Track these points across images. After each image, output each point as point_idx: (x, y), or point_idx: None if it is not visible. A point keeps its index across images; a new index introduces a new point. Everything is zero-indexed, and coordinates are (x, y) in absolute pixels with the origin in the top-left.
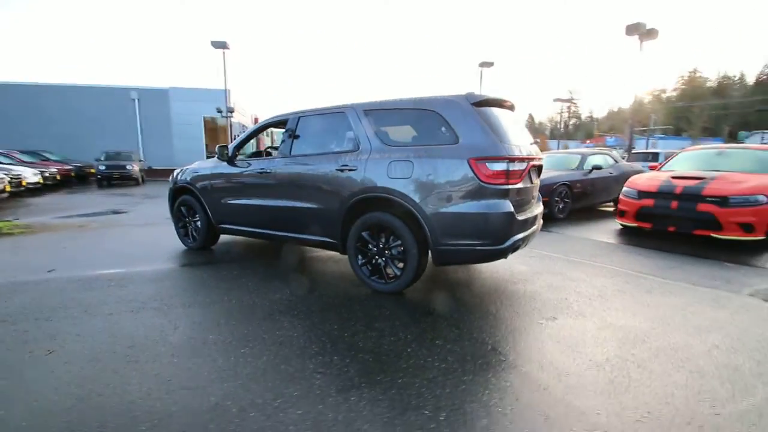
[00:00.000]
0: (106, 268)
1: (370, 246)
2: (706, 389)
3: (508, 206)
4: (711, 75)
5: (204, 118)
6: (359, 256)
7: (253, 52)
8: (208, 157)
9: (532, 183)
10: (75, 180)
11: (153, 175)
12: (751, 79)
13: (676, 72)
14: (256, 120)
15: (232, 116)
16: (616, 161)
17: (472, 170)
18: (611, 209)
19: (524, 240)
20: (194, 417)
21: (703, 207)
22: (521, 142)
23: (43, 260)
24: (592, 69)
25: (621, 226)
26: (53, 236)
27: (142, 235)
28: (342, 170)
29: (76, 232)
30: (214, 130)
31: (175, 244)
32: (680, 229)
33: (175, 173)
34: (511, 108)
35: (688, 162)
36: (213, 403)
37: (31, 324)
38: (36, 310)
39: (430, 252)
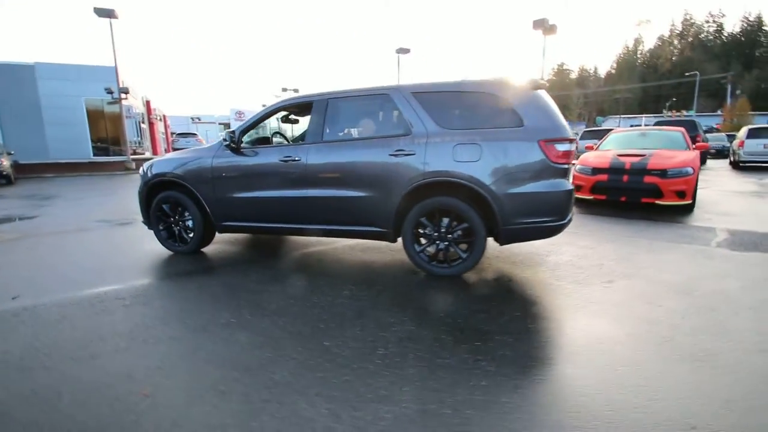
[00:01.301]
0: (73, 288)
1: (426, 231)
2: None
3: (570, 184)
4: (574, 68)
5: (87, 101)
6: (416, 243)
7: (145, 24)
8: (94, 148)
9: None
10: None
11: (23, 171)
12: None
13: (549, 64)
14: (148, 104)
15: (126, 98)
16: None
17: (543, 151)
18: None
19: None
20: None
21: (648, 179)
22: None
23: None
24: (496, 59)
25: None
26: None
27: (87, 243)
28: (397, 155)
29: None
30: (100, 116)
31: (141, 251)
32: (630, 198)
33: (146, 167)
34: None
35: (619, 142)
36: None
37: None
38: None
39: (496, 232)
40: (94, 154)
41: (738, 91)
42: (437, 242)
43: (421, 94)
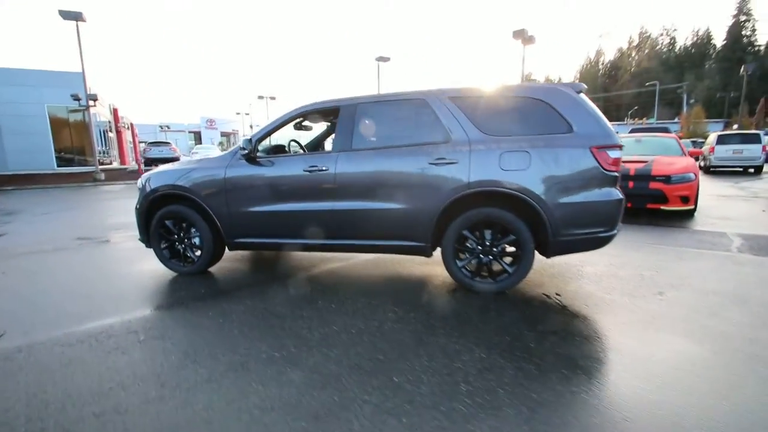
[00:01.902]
0: (70, 322)
1: (468, 245)
2: None
3: (620, 192)
4: (541, 78)
5: (49, 108)
6: (458, 258)
7: (111, 29)
8: (58, 158)
9: None
10: None
11: None
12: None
13: (519, 75)
14: (115, 111)
15: (95, 105)
16: None
17: (595, 159)
18: None
19: None
20: None
21: (653, 185)
22: None
23: None
24: (472, 68)
25: None
26: None
27: (71, 265)
28: (438, 164)
29: None
30: (63, 124)
31: (137, 272)
32: (636, 204)
33: (145, 180)
34: None
35: None
36: None
37: None
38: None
39: (545, 245)
40: (58, 165)
41: (692, 100)
42: (481, 256)
43: (460, 98)
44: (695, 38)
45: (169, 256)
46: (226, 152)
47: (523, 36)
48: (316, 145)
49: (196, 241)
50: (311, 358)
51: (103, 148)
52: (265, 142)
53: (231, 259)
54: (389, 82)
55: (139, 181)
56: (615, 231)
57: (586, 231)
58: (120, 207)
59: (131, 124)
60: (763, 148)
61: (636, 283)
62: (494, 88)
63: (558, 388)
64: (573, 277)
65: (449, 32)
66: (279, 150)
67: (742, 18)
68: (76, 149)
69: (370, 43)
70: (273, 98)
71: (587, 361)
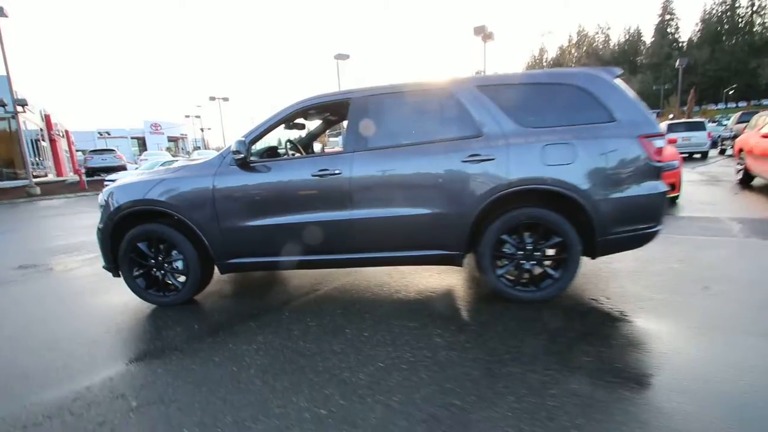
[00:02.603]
0: (31, 388)
1: (506, 250)
2: None
3: (664, 184)
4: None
5: None
6: (496, 265)
7: (39, 30)
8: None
9: None
10: None
11: None
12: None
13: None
14: (48, 118)
15: (24, 111)
16: None
17: (643, 149)
18: None
19: None
20: None
21: None
22: None
23: None
24: (428, 64)
25: None
26: None
27: (17, 304)
28: (472, 161)
29: None
30: None
31: (104, 308)
32: None
33: (108, 195)
34: None
35: None
36: None
37: None
38: None
39: (591, 245)
40: None
41: None
42: (522, 262)
43: (489, 88)
44: (627, 36)
45: (145, 285)
46: (210, 158)
47: (483, 32)
48: (305, 147)
49: (179, 265)
50: (371, 413)
51: (36, 159)
52: (256, 145)
53: (215, 282)
54: (350, 81)
55: (101, 197)
56: (660, 226)
57: (634, 228)
58: (64, 225)
59: (66, 132)
60: (708, 134)
61: (674, 278)
62: (524, 75)
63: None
64: (608, 276)
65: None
66: (273, 153)
67: (668, 17)
68: (4, 161)
69: (328, 40)
70: (226, 99)
71: (691, 382)
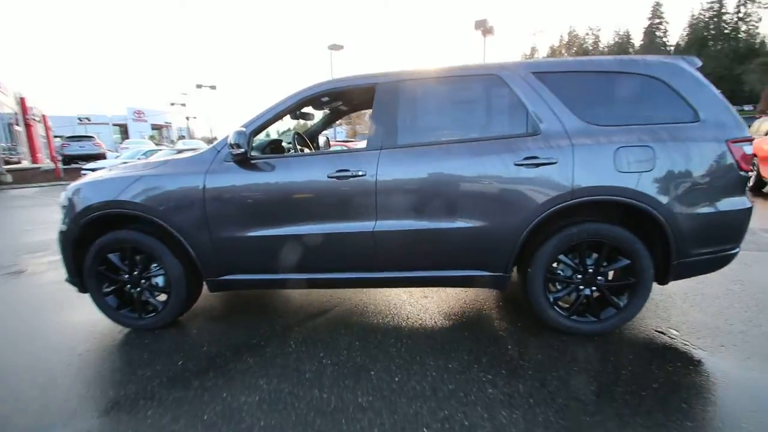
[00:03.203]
0: None
1: (560, 272)
2: None
3: (750, 199)
4: None
5: None
6: (549, 289)
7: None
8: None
9: None
10: None
11: None
12: None
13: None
14: (23, 102)
15: None
16: None
17: (732, 155)
18: None
19: None
20: None
21: None
22: None
23: None
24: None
25: None
26: None
27: None
28: (527, 164)
29: None
30: None
31: (66, 329)
32: None
33: (72, 193)
34: None
35: None
36: None
37: None
38: None
39: (665, 268)
40: None
41: None
42: (581, 287)
43: (547, 75)
44: (617, 38)
45: (118, 304)
46: (201, 151)
47: (484, 26)
48: (304, 140)
49: (159, 281)
50: None
51: (9, 144)
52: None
53: (203, 298)
54: (343, 73)
55: (63, 196)
56: (739, 247)
57: (715, 249)
58: (34, 218)
59: (44, 117)
60: None
61: (739, 302)
62: (589, 61)
63: None
64: (662, 300)
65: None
66: (277, 147)
67: (656, 20)
68: None
69: (322, 30)
70: (213, 88)
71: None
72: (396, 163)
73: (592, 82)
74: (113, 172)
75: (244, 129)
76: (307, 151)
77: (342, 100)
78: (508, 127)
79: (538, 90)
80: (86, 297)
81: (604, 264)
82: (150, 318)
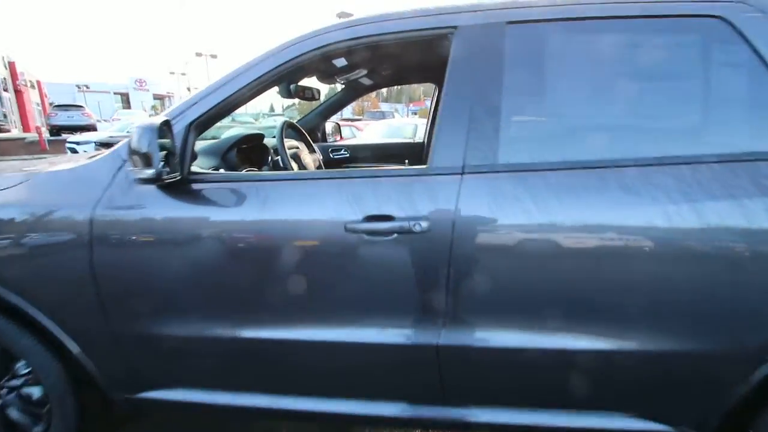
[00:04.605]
0: None
1: None
2: None
3: None
4: None
5: None
6: None
7: None
8: None
9: None
10: None
11: None
12: None
13: None
14: (12, 66)
15: None
16: None
17: None
18: None
19: None
20: None
21: None
22: None
23: None
24: None
25: None
26: None
27: None
28: None
29: None
30: None
31: None
32: None
33: None
34: None
35: None
36: None
37: None
38: None
39: None
40: None
41: None
42: None
43: None
44: None
45: None
46: (95, 158)
47: None
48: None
49: (35, 392)
50: None
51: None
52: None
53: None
54: None
55: None
56: None
57: None
58: None
59: (38, 83)
60: None
61: None
62: None
63: None
64: None
65: None
66: (254, 150)
67: None
68: None
69: None
70: (214, 56)
71: None
72: (500, 204)
73: None
74: None
75: (169, 117)
76: (306, 157)
77: (372, 62)
78: (743, 131)
79: None
80: None
81: None
82: None
